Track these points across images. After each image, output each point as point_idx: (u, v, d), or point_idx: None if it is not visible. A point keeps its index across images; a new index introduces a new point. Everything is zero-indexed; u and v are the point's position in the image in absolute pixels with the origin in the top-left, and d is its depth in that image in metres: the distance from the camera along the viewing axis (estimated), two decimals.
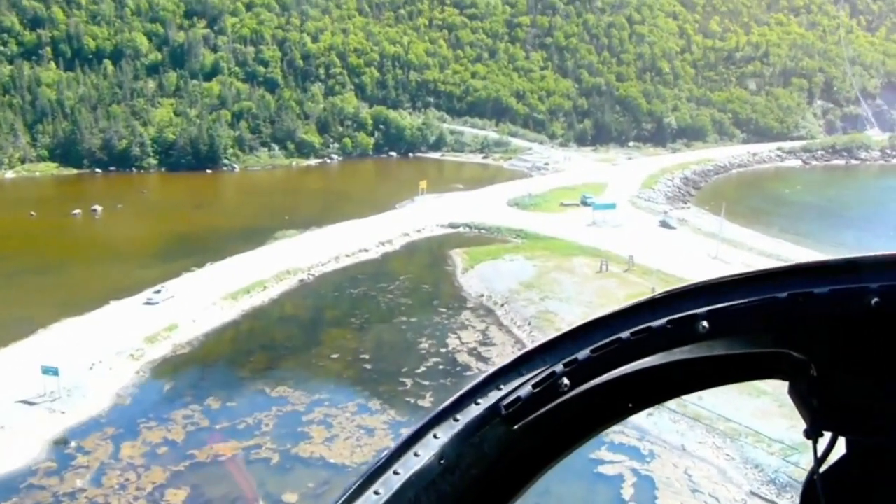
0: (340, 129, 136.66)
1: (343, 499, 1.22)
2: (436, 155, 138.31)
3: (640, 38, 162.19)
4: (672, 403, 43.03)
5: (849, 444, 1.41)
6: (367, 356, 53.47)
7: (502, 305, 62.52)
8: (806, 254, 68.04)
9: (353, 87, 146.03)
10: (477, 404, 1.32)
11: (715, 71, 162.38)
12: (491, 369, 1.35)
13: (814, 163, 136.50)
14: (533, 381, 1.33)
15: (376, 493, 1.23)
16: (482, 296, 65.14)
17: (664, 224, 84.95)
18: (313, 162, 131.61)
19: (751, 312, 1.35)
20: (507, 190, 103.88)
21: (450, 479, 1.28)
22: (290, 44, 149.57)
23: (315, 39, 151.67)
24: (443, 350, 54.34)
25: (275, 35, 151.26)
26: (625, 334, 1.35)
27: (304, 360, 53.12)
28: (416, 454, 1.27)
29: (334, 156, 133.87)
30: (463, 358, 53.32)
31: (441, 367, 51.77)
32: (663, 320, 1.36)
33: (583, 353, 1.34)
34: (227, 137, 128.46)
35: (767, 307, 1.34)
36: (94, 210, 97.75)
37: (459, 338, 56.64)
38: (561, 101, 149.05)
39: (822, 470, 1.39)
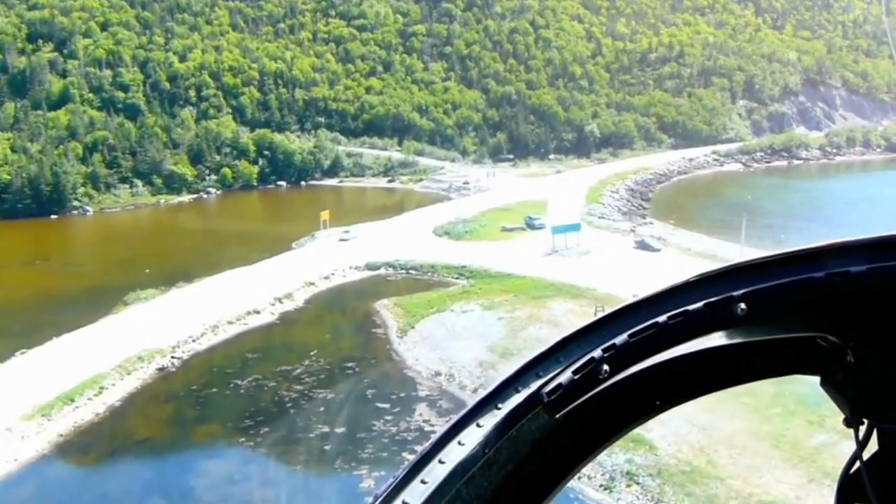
0: (217, 157, 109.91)
1: (392, 486, 1.17)
2: (332, 182, 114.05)
3: (547, 43, 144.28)
4: None
5: (881, 434, 1.33)
6: None
7: (475, 391, 39.53)
8: None
9: (230, 110, 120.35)
10: (518, 391, 1.25)
11: (630, 74, 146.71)
12: (529, 356, 1.29)
13: (755, 165, 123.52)
14: (573, 368, 1.26)
15: (423, 482, 1.18)
16: (439, 374, 41.93)
17: (642, 245, 64.73)
18: (186, 198, 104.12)
19: (788, 293, 1.27)
20: (429, 216, 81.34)
21: (488, 472, 1.23)
22: (154, 64, 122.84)
23: (183, 59, 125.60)
24: None
25: (135, 56, 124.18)
26: (662, 318, 1.27)
27: None
28: (460, 443, 1.21)
29: (212, 189, 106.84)
30: None
31: None
32: (700, 303, 1.27)
33: (620, 339, 1.27)
34: (76, 175, 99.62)
35: (804, 288, 1.26)
36: None
37: None
38: (469, 113, 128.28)
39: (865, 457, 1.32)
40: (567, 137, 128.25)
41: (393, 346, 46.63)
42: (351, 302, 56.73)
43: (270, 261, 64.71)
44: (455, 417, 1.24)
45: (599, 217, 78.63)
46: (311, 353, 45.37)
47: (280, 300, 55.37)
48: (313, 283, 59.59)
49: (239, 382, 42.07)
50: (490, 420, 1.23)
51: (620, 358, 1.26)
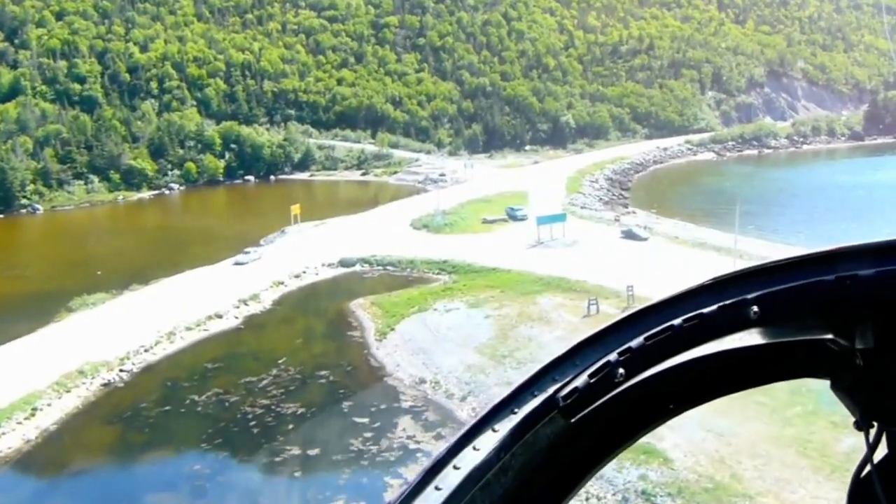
0: (181, 151, 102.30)
1: (406, 493, 1.13)
2: (303, 175, 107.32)
3: (520, 35, 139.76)
4: None
5: (891, 437, 1.31)
6: None
7: (463, 399, 33.95)
8: None
9: (194, 103, 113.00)
10: (534, 396, 1.23)
11: (603, 65, 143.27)
12: (546, 360, 1.26)
13: (727, 154, 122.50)
14: (589, 372, 1.24)
15: (437, 488, 1.13)
16: (423, 382, 36.18)
17: (629, 235, 59.94)
18: (146, 195, 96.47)
19: (798, 296, 1.26)
20: (406, 209, 75.59)
21: (504, 477, 1.20)
22: (113, 55, 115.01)
23: (144, 49, 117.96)
24: None
25: (93, 46, 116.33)
26: (677, 321, 1.26)
27: None
28: (475, 448, 1.18)
29: (174, 185, 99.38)
30: None
31: None
32: (714, 306, 1.26)
33: (636, 342, 1.25)
34: (25, 171, 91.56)
35: (815, 291, 1.25)
36: None
37: None
38: (444, 105, 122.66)
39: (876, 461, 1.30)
40: (542, 128, 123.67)
41: (371, 351, 40.82)
42: (324, 302, 50.73)
43: (236, 259, 58.50)
44: (470, 422, 1.21)
45: (581, 207, 73.89)
46: (280, 362, 39.36)
47: (245, 302, 49.21)
48: (283, 283, 53.50)
49: (196, 398, 35.90)
50: (506, 425, 1.20)
51: (636, 361, 1.25)
